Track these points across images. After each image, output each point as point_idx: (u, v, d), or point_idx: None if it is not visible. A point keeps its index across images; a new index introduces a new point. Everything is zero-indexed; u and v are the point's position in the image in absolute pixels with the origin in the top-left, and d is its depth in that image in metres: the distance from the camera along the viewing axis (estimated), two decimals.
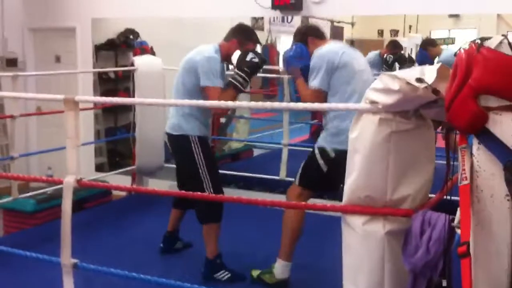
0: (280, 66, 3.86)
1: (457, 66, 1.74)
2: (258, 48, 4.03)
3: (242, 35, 3.69)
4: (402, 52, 7.31)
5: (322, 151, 3.43)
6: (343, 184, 3.47)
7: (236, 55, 3.61)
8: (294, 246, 3.50)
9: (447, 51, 6.53)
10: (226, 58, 3.68)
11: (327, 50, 3.43)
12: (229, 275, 3.62)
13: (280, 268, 3.52)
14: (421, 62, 6.56)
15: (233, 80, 3.54)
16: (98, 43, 7.18)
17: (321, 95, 3.36)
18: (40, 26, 7.30)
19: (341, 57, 3.37)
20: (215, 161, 3.85)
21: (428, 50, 6.81)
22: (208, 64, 3.53)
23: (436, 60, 6.39)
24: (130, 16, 6.79)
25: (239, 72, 3.54)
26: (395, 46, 7.24)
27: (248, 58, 3.54)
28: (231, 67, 4.02)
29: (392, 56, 6.99)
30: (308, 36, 3.59)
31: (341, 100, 3.33)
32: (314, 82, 3.39)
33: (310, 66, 3.44)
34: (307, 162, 3.54)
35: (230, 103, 2.99)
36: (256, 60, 3.54)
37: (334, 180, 3.40)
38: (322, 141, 3.46)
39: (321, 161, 3.42)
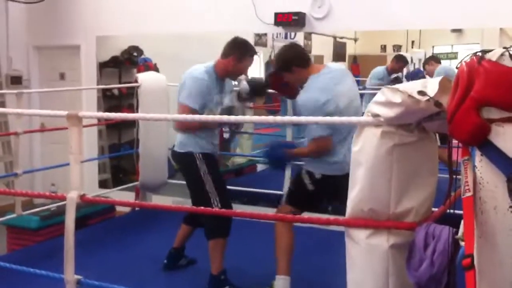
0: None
1: (459, 78, 1.75)
2: (261, 65, 4.06)
3: (239, 50, 3.69)
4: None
5: (309, 173, 3.51)
6: (329, 204, 3.55)
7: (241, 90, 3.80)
8: (290, 260, 3.51)
9: (442, 67, 6.56)
10: (225, 75, 3.70)
11: (310, 99, 3.33)
12: None
13: (280, 284, 3.50)
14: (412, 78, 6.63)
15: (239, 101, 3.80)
16: (102, 60, 7.22)
17: (330, 140, 3.38)
18: (44, 44, 7.35)
19: (327, 107, 3.29)
20: (221, 177, 3.85)
21: (431, 65, 6.83)
22: (191, 83, 3.61)
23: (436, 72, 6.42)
24: (134, 33, 6.84)
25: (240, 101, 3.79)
26: (400, 60, 7.26)
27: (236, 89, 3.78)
28: (235, 82, 4.07)
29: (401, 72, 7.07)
30: (293, 65, 3.48)
31: (335, 141, 3.39)
32: (318, 131, 3.36)
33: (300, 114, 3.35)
34: (294, 182, 3.69)
35: (235, 117, 3.01)
36: (244, 94, 3.78)
37: (319, 199, 3.66)
38: (308, 164, 3.54)
39: (307, 181, 3.50)
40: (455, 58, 7.27)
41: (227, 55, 3.69)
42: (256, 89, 3.79)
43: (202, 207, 3.21)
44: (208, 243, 3.60)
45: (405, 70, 7.12)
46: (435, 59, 6.95)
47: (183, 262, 4.07)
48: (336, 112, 3.26)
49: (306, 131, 3.50)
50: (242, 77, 3.82)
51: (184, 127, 3.65)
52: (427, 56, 7.50)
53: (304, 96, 3.40)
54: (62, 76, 7.42)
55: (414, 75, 6.88)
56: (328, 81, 3.42)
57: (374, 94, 2.09)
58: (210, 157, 3.68)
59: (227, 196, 3.68)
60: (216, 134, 3.82)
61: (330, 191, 3.51)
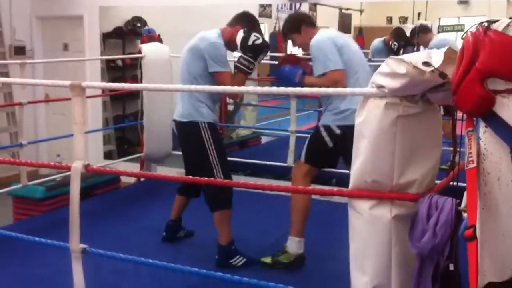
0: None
1: (464, 49, 1.73)
2: (266, 36, 4.01)
3: (247, 23, 3.67)
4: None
5: (327, 128, 3.53)
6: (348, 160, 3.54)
7: (239, 38, 3.61)
8: (305, 223, 3.56)
9: (438, 38, 6.49)
10: (229, 43, 3.66)
11: (323, 36, 3.52)
12: (244, 260, 3.62)
13: (294, 245, 3.57)
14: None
15: (239, 65, 3.58)
16: (105, 31, 7.19)
17: (343, 73, 3.43)
18: (48, 14, 7.31)
19: (339, 40, 3.51)
20: (224, 148, 3.84)
21: (420, 37, 6.76)
22: (214, 49, 3.54)
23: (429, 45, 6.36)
24: (138, 4, 6.79)
25: (244, 56, 3.58)
26: (398, 35, 7.19)
27: (250, 41, 3.55)
28: (234, 53, 4.03)
29: (397, 44, 6.96)
30: (302, 24, 3.62)
31: (347, 81, 3.43)
32: (330, 64, 3.42)
33: (312, 54, 3.51)
34: (312, 140, 3.65)
35: (237, 88, 2.98)
36: (259, 41, 3.55)
37: (338, 155, 3.62)
38: (326, 119, 3.56)
39: (327, 138, 3.53)
40: (462, 30, 7.20)
41: (234, 25, 3.68)
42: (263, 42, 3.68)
43: (207, 178, 3.18)
44: (214, 215, 3.61)
45: None
46: (424, 30, 6.86)
47: (181, 234, 4.08)
48: (346, 46, 3.50)
49: (315, 67, 3.51)
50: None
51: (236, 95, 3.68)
52: (433, 29, 7.41)
53: (315, 37, 3.52)
54: (65, 47, 7.40)
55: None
56: (338, 32, 3.80)
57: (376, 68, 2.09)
58: (214, 126, 3.67)
59: (228, 168, 3.68)
60: (217, 105, 3.81)
61: (351, 143, 3.50)
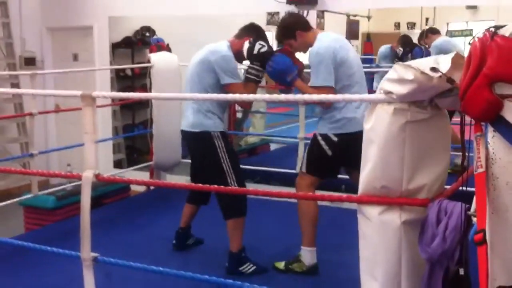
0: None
1: (471, 54, 1.74)
2: (273, 43, 4.01)
3: (254, 34, 3.67)
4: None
5: (325, 136, 3.55)
6: (349, 168, 3.53)
7: (245, 49, 3.63)
8: (316, 231, 3.57)
9: (441, 38, 6.49)
10: (237, 54, 3.68)
11: (324, 47, 3.47)
12: (254, 267, 3.63)
13: (307, 255, 3.58)
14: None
15: (248, 75, 3.61)
16: (114, 41, 7.24)
17: (332, 91, 3.40)
18: (57, 25, 7.37)
19: (341, 52, 3.47)
20: (237, 156, 3.87)
21: (428, 38, 6.77)
22: (225, 62, 3.57)
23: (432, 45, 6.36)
24: (146, 14, 6.84)
25: (252, 65, 3.61)
26: (404, 42, 7.22)
27: (256, 50, 3.58)
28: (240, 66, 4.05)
29: (402, 49, 6.98)
30: (296, 30, 3.59)
31: (345, 93, 3.41)
32: (323, 80, 3.43)
33: (310, 63, 3.50)
34: (311, 149, 3.65)
35: (246, 96, 2.99)
36: (264, 49, 3.58)
37: (339, 163, 3.67)
38: (323, 128, 3.57)
39: (325, 147, 3.55)
40: (470, 35, 7.20)
41: (241, 37, 3.69)
42: (268, 49, 3.65)
43: (217, 186, 3.19)
44: (227, 222, 3.61)
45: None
46: (432, 31, 6.87)
47: (190, 242, 4.10)
48: (347, 61, 3.48)
49: (311, 75, 3.53)
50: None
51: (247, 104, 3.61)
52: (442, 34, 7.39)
53: (317, 45, 3.50)
54: (75, 57, 7.46)
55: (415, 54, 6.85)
56: (338, 36, 3.74)
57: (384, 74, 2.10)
58: (225, 135, 3.70)
59: (242, 175, 3.70)
60: (226, 112, 3.84)
61: (349, 151, 3.51)
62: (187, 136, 3.75)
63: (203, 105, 3.62)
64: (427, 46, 6.70)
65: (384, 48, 7.29)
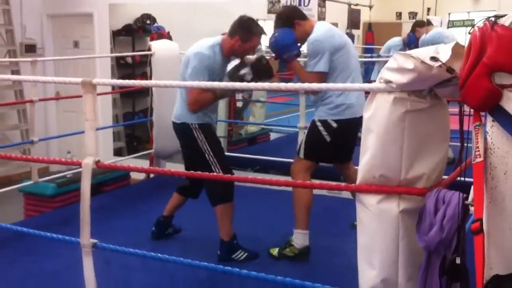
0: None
1: (471, 44, 1.74)
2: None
3: (243, 31, 3.61)
4: None
5: (324, 122, 3.58)
6: (347, 154, 3.56)
7: (231, 65, 3.65)
8: (309, 216, 3.59)
9: (435, 30, 6.48)
10: (230, 53, 3.66)
11: (323, 35, 3.54)
12: (246, 254, 3.65)
13: (299, 238, 3.60)
14: (409, 45, 6.58)
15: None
16: (115, 28, 7.23)
17: (325, 77, 3.49)
18: (58, 12, 7.36)
19: (338, 39, 3.57)
20: (220, 144, 3.86)
21: (416, 32, 6.77)
22: (194, 60, 3.55)
23: (421, 38, 6.36)
24: (147, 1, 6.82)
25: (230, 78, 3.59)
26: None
27: (241, 73, 3.56)
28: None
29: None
30: (294, 19, 3.64)
31: (343, 79, 3.52)
32: (319, 66, 3.49)
33: (308, 51, 3.56)
34: (309, 135, 3.68)
35: (246, 84, 3.00)
36: (248, 78, 3.53)
37: (337, 150, 3.69)
38: (322, 114, 3.61)
39: (324, 132, 3.59)
40: (472, 25, 7.19)
41: (232, 35, 3.62)
42: (261, 73, 3.67)
43: (215, 174, 3.22)
44: (215, 209, 3.63)
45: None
46: (419, 24, 6.87)
47: (170, 231, 4.10)
48: (345, 47, 3.55)
49: (308, 62, 3.59)
50: (251, 57, 3.75)
51: (198, 107, 3.57)
52: (443, 24, 7.40)
53: (316, 33, 3.56)
54: (76, 44, 7.46)
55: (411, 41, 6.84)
56: (333, 26, 3.79)
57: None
58: (206, 126, 3.68)
59: (226, 163, 3.71)
60: (215, 108, 3.83)
61: (348, 137, 3.63)
62: (173, 127, 3.79)
63: (185, 98, 3.64)
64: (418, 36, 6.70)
65: (393, 42, 7.23)
